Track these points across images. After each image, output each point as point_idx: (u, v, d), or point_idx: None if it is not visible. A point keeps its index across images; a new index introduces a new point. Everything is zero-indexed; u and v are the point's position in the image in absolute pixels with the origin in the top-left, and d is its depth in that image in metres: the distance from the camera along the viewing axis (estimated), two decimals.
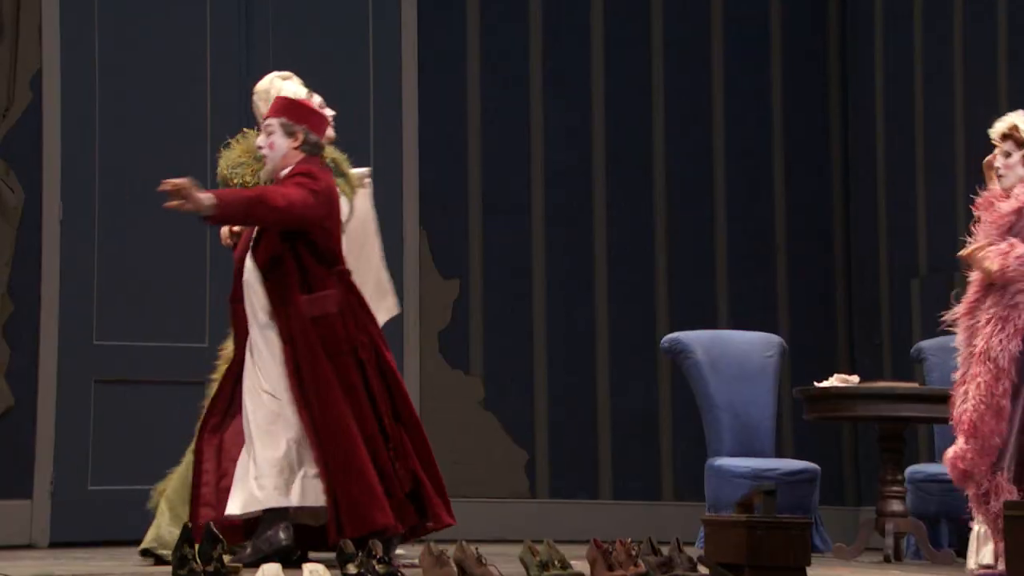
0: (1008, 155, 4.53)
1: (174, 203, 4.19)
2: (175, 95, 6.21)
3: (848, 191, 7.39)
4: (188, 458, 4.58)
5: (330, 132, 4.64)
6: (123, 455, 5.97)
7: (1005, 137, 4.55)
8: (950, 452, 4.42)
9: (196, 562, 3.62)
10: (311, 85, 6.44)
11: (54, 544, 5.77)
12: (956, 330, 4.53)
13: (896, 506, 5.27)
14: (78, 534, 5.83)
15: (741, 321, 6.77)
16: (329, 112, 4.65)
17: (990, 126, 4.58)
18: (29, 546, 5.74)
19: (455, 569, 3.69)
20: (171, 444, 6.09)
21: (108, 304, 6.02)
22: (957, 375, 4.48)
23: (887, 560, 5.24)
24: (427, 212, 6.64)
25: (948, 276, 6.76)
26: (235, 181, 4.66)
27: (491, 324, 6.78)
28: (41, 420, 5.84)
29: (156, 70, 6.19)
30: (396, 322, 6.55)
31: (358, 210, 4.77)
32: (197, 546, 3.70)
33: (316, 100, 4.62)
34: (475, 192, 6.78)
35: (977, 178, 4.85)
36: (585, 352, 6.89)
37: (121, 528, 5.91)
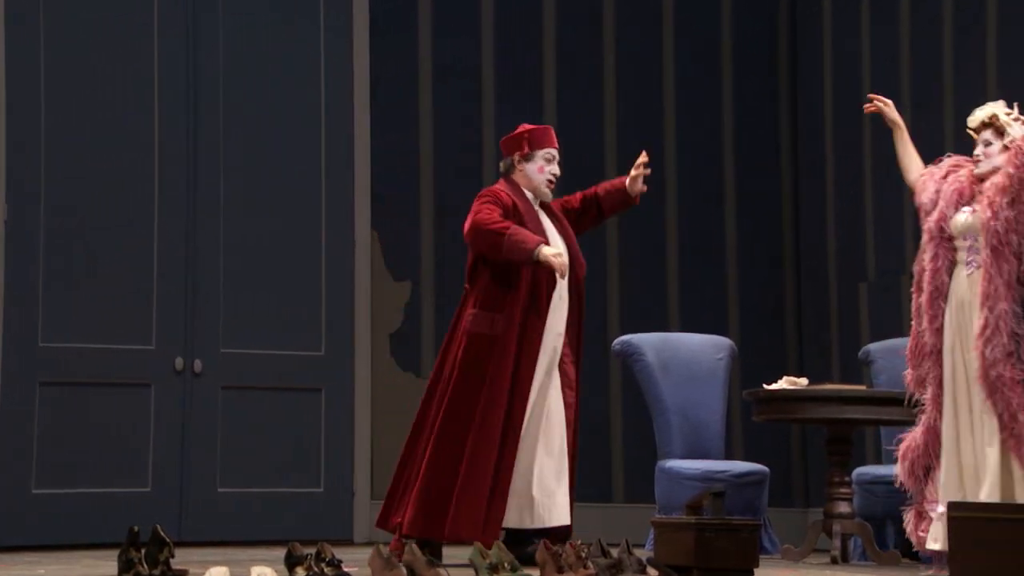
0: (988, 144, 4.54)
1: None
2: (122, 99, 6.15)
3: (798, 196, 7.44)
4: None
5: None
6: (68, 458, 5.91)
7: (985, 126, 4.57)
8: None
9: (143, 565, 3.56)
10: (260, 87, 6.42)
11: None
12: None
13: (843, 508, 5.30)
14: (21, 538, 5.75)
15: (692, 324, 6.80)
16: None
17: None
18: None
19: (404, 571, 3.67)
20: (116, 446, 6.06)
21: (54, 306, 5.95)
22: None
23: (834, 561, 5.27)
24: (379, 214, 6.62)
25: (895, 280, 6.83)
26: None
27: (442, 327, 6.75)
28: None
29: (103, 74, 6.13)
30: (347, 325, 6.56)
31: None
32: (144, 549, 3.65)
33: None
34: (427, 195, 6.77)
35: None
36: None
37: (64, 532, 5.85)
